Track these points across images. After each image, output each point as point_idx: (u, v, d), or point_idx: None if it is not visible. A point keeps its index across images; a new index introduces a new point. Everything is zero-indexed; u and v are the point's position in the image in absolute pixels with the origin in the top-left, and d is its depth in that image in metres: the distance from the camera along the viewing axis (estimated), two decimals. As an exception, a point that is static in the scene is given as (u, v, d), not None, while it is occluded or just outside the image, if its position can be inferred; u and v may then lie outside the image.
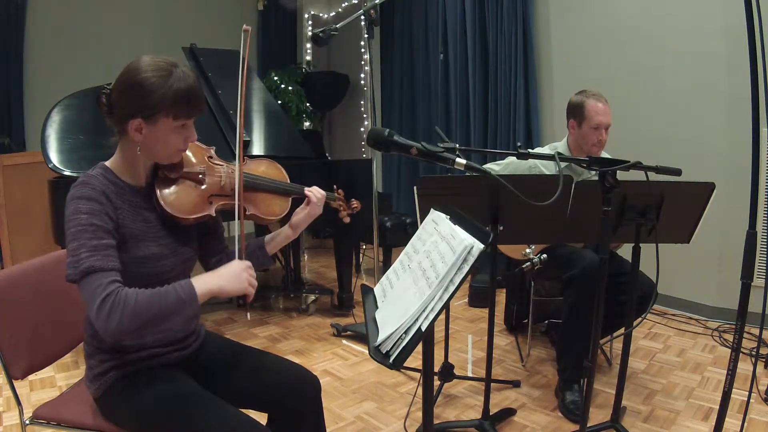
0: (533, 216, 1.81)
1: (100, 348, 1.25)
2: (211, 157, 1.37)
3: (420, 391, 1.08)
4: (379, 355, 0.96)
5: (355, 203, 1.64)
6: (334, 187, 1.55)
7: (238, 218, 1.28)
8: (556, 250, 2.32)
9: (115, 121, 1.21)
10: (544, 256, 2.14)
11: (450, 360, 2.40)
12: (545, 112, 4.06)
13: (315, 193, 1.46)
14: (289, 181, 1.50)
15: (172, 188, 1.26)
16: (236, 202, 1.30)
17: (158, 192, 1.24)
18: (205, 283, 1.13)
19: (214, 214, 1.33)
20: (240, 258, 1.22)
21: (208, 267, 1.45)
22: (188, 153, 1.32)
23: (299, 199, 1.48)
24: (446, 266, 0.93)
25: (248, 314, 1.23)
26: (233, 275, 1.16)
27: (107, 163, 1.23)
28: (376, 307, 1.13)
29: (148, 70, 1.14)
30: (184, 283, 1.11)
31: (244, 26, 1.26)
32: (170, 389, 1.22)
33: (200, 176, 1.31)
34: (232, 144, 3.09)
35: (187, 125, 1.21)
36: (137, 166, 1.24)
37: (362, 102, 5.80)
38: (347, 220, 1.62)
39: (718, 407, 1.55)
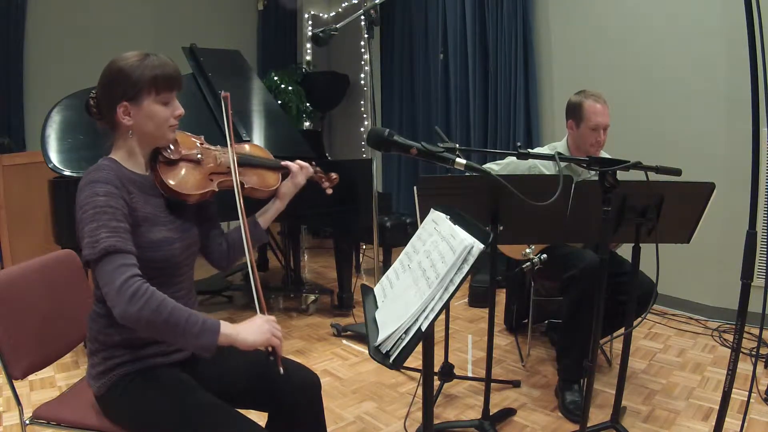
0: (533, 216, 1.81)
1: (105, 345, 1.25)
2: (202, 143, 1.45)
3: (420, 391, 1.08)
4: (379, 355, 0.96)
5: (334, 175, 1.71)
6: (313, 163, 1.64)
7: (242, 223, 1.32)
8: (556, 250, 2.32)
9: (104, 117, 1.26)
10: (544, 256, 2.13)
11: (450, 360, 2.40)
12: (545, 112, 4.06)
13: (298, 163, 1.56)
14: (272, 159, 1.60)
15: (175, 169, 1.33)
16: (236, 192, 1.33)
17: (162, 174, 1.29)
18: (228, 326, 1.15)
19: (217, 189, 1.39)
20: (262, 313, 1.25)
21: (211, 257, 1.49)
22: (182, 140, 1.38)
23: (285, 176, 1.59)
24: (446, 266, 0.93)
25: (281, 368, 1.24)
26: (254, 326, 1.18)
27: (111, 156, 1.28)
28: (376, 307, 1.13)
29: (124, 58, 1.22)
30: (213, 319, 1.14)
31: (222, 93, 1.38)
32: (172, 390, 1.23)
33: (198, 156, 1.38)
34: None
35: (171, 101, 1.27)
36: (137, 155, 1.29)
37: (362, 102, 5.80)
38: (330, 191, 1.70)
39: (718, 407, 1.55)
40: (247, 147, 1.59)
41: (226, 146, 1.43)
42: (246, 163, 1.50)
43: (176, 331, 1.09)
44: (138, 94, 1.21)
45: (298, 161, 1.57)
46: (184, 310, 1.11)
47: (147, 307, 1.06)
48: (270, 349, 1.20)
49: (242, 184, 1.44)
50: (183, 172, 1.34)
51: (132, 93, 1.21)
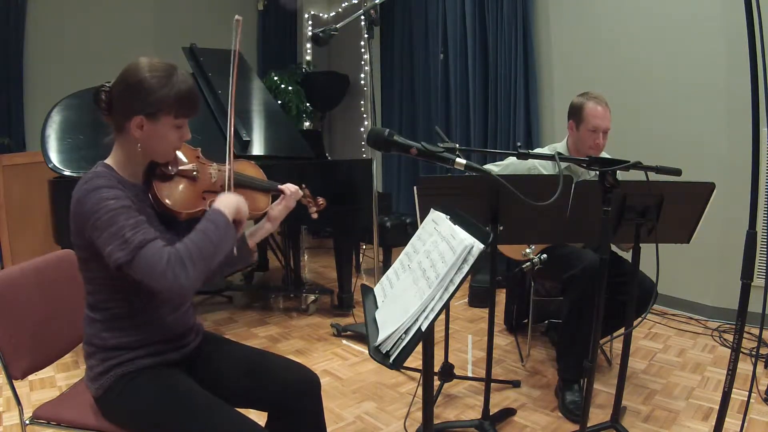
0: (533, 216, 1.81)
1: (101, 347, 1.25)
2: (199, 157, 1.43)
3: (420, 391, 1.08)
4: (379, 355, 0.96)
5: (321, 200, 1.71)
6: (303, 185, 1.63)
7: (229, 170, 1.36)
8: (556, 250, 2.32)
9: (114, 119, 1.25)
10: (544, 256, 2.13)
11: (450, 360, 2.40)
12: (545, 112, 4.06)
13: (289, 187, 1.56)
14: (264, 180, 1.59)
15: (170, 185, 1.32)
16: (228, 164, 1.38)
17: (156, 188, 1.29)
18: (223, 203, 1.24)
19: (209, 209, 1.36)
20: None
21: None
22: (180, 153, 1.37)
23: (276, 196, 1.59)
24: (446, 266, 0.93)
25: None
26: (235, 197, 1.28)
27: (107, 161, 1.27)
28: (376, 307, 1.13)
29: (150, 71, 1.20)
30: (210, 212, 1.21)
31: (237, 17, 1.33)
32: (170, 389, 1.23)
33: (194, 173, 1.37)
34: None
35: (183, 124, 1.27)
36: (134, 163, 1.28)
37: (362, 102, 5.80)
38: (315, 216, 1.69)
39: (718, 407, 1.55)
40: (240, 165, 1.56)
41: (222, 163, 1.41)
42: (239, 183, 1.48)
43: (214, 254, 1.16)
44: (158, 113, 1.20)
45: (289, 185, 1.57)
46: (200, 237, 1.15)
47: (189, 268, 1.10)
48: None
49: None
50: (177, 188, 1.33)
51: (152, 110, 1.19)
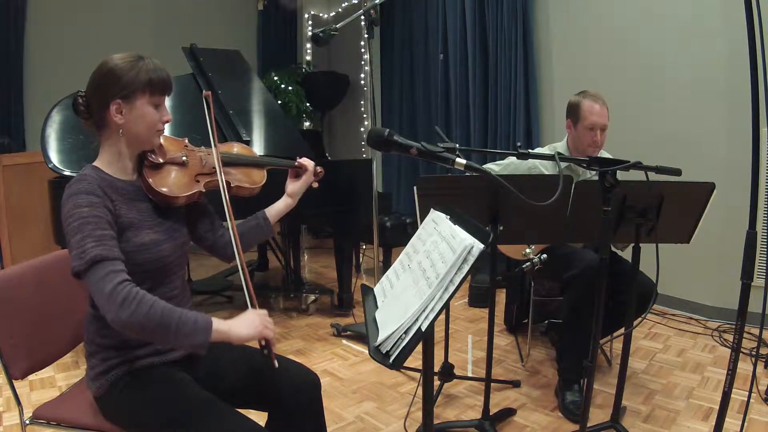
0: (533, 216, 1.81)
1: (102, 346, 1.25)
2: (186, 145, 1.46)
3: (420, 391, 1.08)
4: (379, 355, 0.96)
5: (319, 168, 1.72)
6: (297, 158, 1.67)
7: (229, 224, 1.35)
8: (556, 250, 2.32)
9: (94, 116, 1.26)
10: (544, 256, 2.13)
11: (450, 360, 2.40)
12: (545, 112, 4.06)
13: (307, 161, 1.63)
14: (257, 157, 1.64)
15: (161, 173, 1.34)
16: (222, 190, 1.35)
17: (149, 178, 1.30)
18: (220, 322, 1.16)
19: (204, 190, 1.41)
20: (252, 307, 1.26)
21: (210, 245, 1.51)
22: (166, 143, 1.39)
23: (279, 172, 1.64)
24: (446, 266, 0.93)
25: (275, 362, 1.26)
26: (247, 321, 1.19)
27: (95, 163, 1.28)
28: (376, 307, 1.13)
29: (117, 59, 1.24)
30: (204, 316, 1.15)
31: (205, 92, 1.41)
32: (171, 389, 1.23)
33: (183, 159, 1.39)
34: (231, 140, 3.11)
35: (161, 106, 1.29)
36: (123, 159, 1.29)
37: (362, 102, 5.80)
38: (316, 185, 1.72)
39: (718, 407, 1.55)
40: (232, 147, 1.61)
41: (210, 147, 1.44)
42: (231, 162, 1.52)
43: (168, 332, 1.09)
44: (132, 94, 1.22)
45: (307, 159, 1.63)
46: (175, 310, 1.11)
47: (138, 311, 1.06)
48: (263, 342, 1.22)
49: (228, 183, 1.46)
50: (169, 175, 1.34)
51: (126, 92, 1.21)
